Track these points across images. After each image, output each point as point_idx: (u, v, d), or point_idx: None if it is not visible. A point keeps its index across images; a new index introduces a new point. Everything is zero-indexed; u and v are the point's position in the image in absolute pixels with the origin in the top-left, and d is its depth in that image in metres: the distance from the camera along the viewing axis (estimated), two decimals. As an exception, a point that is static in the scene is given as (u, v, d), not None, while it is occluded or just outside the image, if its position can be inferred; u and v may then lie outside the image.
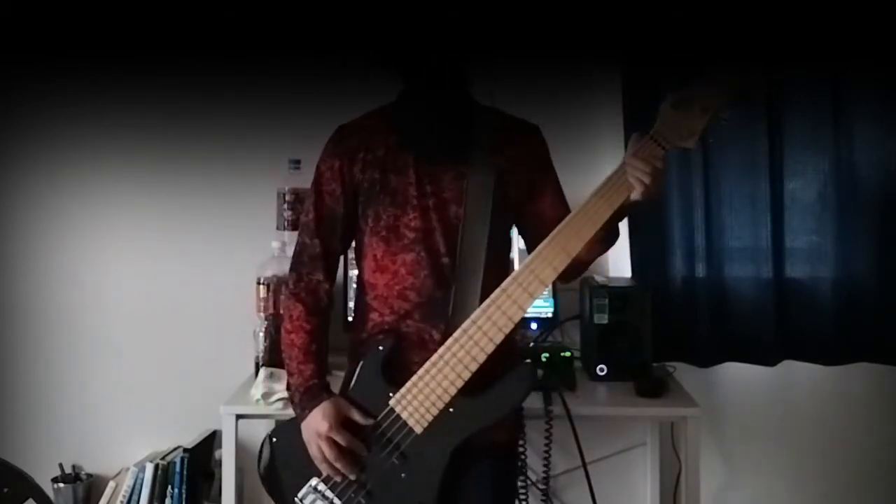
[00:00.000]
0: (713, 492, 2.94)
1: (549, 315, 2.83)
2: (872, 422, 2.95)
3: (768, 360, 2.86)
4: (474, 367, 1.75)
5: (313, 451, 1.83)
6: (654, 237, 2.89)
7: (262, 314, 2.73)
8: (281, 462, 1.91)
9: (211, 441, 2.97)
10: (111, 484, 2.90)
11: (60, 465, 3.01)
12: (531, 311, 2.79)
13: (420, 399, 1.78)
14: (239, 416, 2.49)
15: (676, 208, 2.87)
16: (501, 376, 1.79)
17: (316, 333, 1.92)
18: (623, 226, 2.87)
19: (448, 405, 1.77)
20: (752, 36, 2.77)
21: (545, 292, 2.80)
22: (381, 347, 1.84)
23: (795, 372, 2.90)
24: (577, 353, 2.71)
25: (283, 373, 2.47)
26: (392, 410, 1.80)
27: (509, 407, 1.82)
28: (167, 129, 3.01)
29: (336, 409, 1.82)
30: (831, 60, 2.78)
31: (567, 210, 1.94)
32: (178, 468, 2.83)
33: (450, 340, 1.77)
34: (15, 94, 3.03)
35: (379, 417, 1.81)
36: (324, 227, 1.93)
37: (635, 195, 1.74)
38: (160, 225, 3.04)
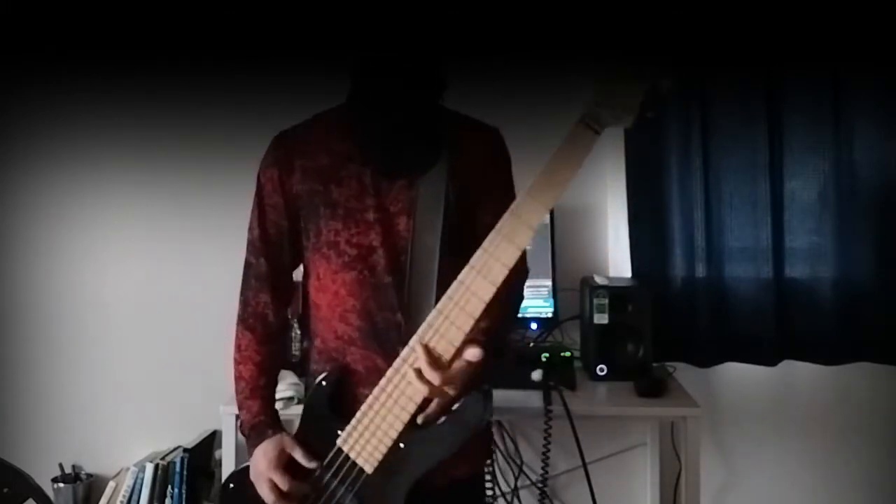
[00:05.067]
0: (713, 492, 2.94)
1: (549, 315, 2.82)
2: (872, 422, 2.94)
3: (768, 360, 2.86)
4: (419, 398, 1.57)
5: (260, 490, 1.70)
6: (654, 237, 2.89)
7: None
8: None
9: (211, 441, 2.97)
10: (111, 484, 2.90)
11: (60, 465, 3.01)
12: (532, 311, 2.80)
13: (367, 437, 1.62)
14: (239, 416, 2.49)
15: (676, 208, 2.87)
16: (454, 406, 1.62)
17: (265, 364, 1.81)
18: (623, 225, 2.91)
19: (397, 441, 1.61)
20: (752, 36, 2.77)
21: (545, 292, 2.80)
22: (323, 383, 1.71)
23: (795, 372, 2.90)
24: (577, 353, 2.71)
25: (284, 373, 2.48)
26: (340, 450, 1.66)
27: (462, 439, 1.63)
28: (166, 129, 3.01)
29: (279, 447, 1.70)
30: (831, 60, 2.78)
31: None
32: (178, 468, 2.83)
33: (390, 371, 1.59)
34: (14, 94, 3.03)
35: (329, 458, 1.67)
36: (270, 244, 1.79)
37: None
38: (160, 225, 3.04)
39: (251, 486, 1.74)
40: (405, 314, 1.67)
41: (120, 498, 2.84)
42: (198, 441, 2.93)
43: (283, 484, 1.68)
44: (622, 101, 1.55)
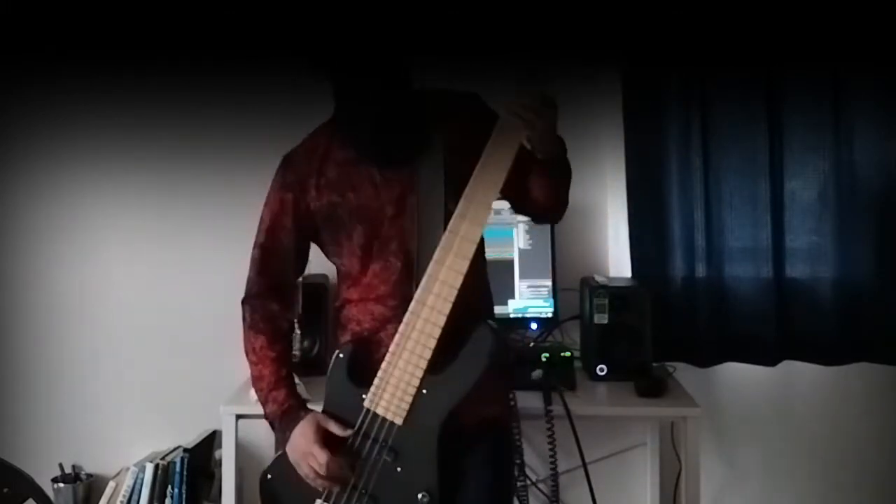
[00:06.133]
0: (713, 492, 2.94)
1: (549, 315, 2.82)
2: (872, 422, 2.94)
3: (768, 360, 2.86)
4: (432, 343, 1.73)
5: (303, 470, 1.81)
6: (654, 237, 2.89)
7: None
8: (281, 497, 1.88)
9: (211, 441, 2.97)
10: (111, 484, 2.90)
11: (60, 465, 3.01)
12: (532, 311, 2.80)
13: (391, 391, 1.76)
14: (239, 416, 2.50)
15: (676, 208, 2.87)
16: (463, 344, 1.76)
17: (282, 359, 1.91)
18: (623, 225, 2.91)
19: (420, 388, 1.74)
20: (752, 36, 2.77)
21: (545, 292, 2.80)
22: (341, 355, 1.84)
23: (795, 372, 2.90)
24: (577, 353, 2.71)
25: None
26: (368, 411, 1.78)
27: (479, 370, 1.76)
28: (168, 130, 3.00)
29: (315, 424, 1.80)
30: (831, 60, 2.78)
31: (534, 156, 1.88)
32: (178, 468, 2.83)
33: (402, 326, 1.75)
34: (15, 95, 3.03)
35: (358, 422, 1.79)
36: (275, 262, 1.92)
37: (523, 134, 1.73)
38: (160, 225, 3.04)
39: (289, 472, 1.83)
40: (418, 282, 1.76)
41: (120, 498, 2.84)
42: (198, 441, 2.93)
43: (323, 458, 1.77)
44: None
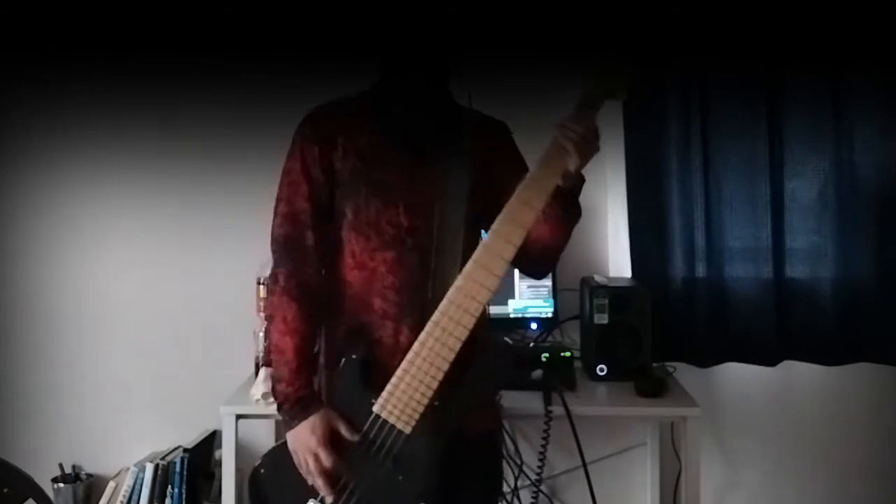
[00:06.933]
0: (713, 492, 2.94)
1: (549, 315, 2.83)
2: (872, 422, 2.95)
3: (768, 360, 2.86)
4: (451, 357, 1.70)
5: (300, 461, 1.78)
6: (654, 237, 2.89)
7: (262, 314, 2.73)
8: (272, 494, 1.85)
9: (211, 441, 2.97)
10: (111, 484, 2.90)
11: (60, 465, 3.01)
12: (532, 311, 2.80)
13: (405, 400, 1.73)
14: (239, 416, 2.49)
15: (676, 208, 2.87)
16: (477, 359, 1.76)
17: (311, 338, 1.84)
18: (623, 225, 2.91)
19: (432, 399, 1.72)
20: (752, 35, 2.77)
21: (545, 292, 2.80)
22: (354, 356, 1.79)
23: (795, 372, 2.90)
24: (577, 353, 2.71)
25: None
26: (378, 417, 1.75)
27: (492, 386, 1.80)
28: (168, 129, 3.00)
29: (325, 422, 1.77)
30: (831, 60, 2.78)
31: None
32: (178, 468, 2.83)
33: (422, 335, 1.72)
34: (15, 94, 3.03)
35: (366, 426, 1.76)
36: (315, 216, 1.83)
37: (572, 161, 1.71)
38: (160, 225, 3.04)
39: (283, 470, 1.80)
40: (434, 290, 1.76)
41: (120, 498, 2.84)
42: (198, 441, 2.93)
43: (328, 461, 1.75)
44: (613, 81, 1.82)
